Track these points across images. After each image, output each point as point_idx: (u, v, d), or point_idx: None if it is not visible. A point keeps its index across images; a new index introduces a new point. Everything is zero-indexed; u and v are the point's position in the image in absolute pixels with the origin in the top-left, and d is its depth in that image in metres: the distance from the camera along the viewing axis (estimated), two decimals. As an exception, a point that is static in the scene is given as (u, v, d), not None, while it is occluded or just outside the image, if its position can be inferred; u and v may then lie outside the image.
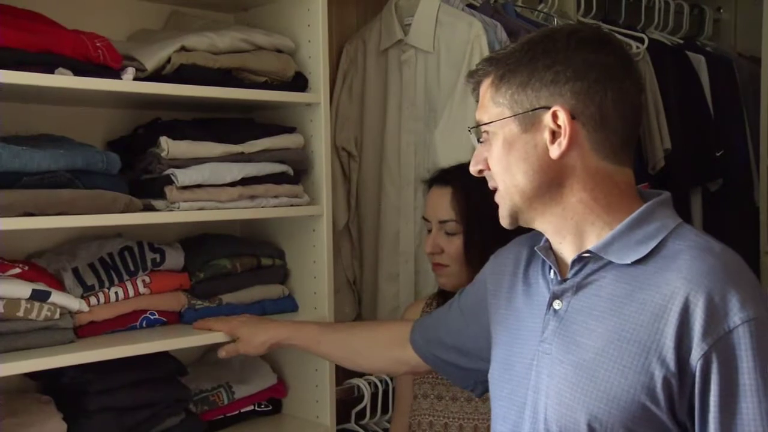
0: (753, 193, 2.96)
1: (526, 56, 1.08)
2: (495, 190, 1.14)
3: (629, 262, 1.05)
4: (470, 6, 2.18)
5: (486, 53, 1.98)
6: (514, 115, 1.08)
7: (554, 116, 1.06)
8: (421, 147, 2.09)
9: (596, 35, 1.10)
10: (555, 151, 1.06)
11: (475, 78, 1.15)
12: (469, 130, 1.17)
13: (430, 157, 2.06)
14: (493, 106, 1.11)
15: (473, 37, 1.99)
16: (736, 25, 3.38)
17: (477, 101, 1.16)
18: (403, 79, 2.12)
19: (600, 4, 2.77)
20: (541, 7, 2.51)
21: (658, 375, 0.98)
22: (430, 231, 1.70)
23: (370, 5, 2.29)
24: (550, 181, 1.08)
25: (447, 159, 1.93)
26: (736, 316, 0.96)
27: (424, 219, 1.73)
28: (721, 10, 3.38)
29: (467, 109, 1.98)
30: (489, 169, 1.13)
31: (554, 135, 1.06)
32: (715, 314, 0.97)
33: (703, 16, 3.22)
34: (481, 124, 1.13)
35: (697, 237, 1.06)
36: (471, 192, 1.61)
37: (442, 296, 1.76)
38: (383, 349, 1.50)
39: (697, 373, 0.97)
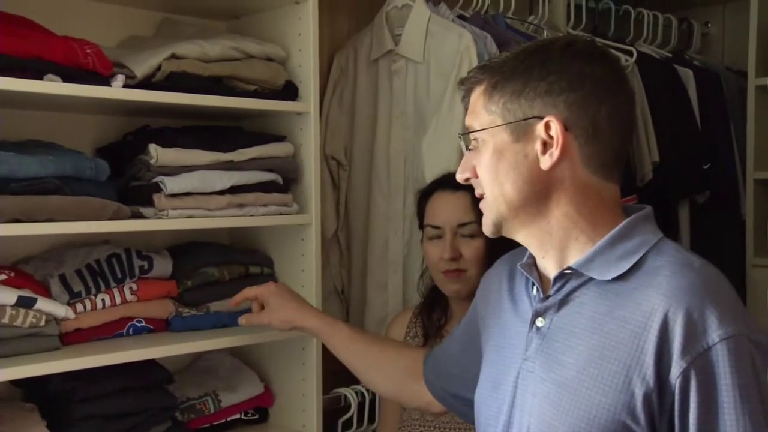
0: (740, 205, 2.98)
1: (521, 65, 1.07)
2: (481, 198, 1.13)
3: (610, 278, 1.04)
4: (460, 17, 2.19)
5: (475, 64, 1.98)
6: (505, 124, 1.07)
7: (547, 127, 1.04)
8: (410, 156, 2.10)
9: (592, 48, 1.10)
10: (546, 162, 1.05)
11: (466, 85, 1.14)
12: (460, 136, 1.16)
13: (419, 166, 2.07)
14: (485, 114, 1.09)
15: (463, 48, 2.00)
16: (723, 39, 3.41)
17: (466, 109, 1.14)
18: (394, 89, 2.12)
19: (590, 17, 2.79)
20: (531, 18, 2.53)
21: (639, 393, 0.97)
22: (433, 238, 1.66)
23: (362, 15, 2.30)
24: (538, 192, 1.07)
25: (433, 168, 1.93)
26: (714, 333, 0.95)
27: (431, 227, 1.67)
28: (709, 25, 3.41)
29: (454, 119, 1.99)
30: (476, 176, 1.12)
31: (545, 146, 1.05)
32: (693, 331, 0.95)
33: (691, 30, 3.25)
34: (472, 131, 1.11)
35: (677, 252, 1.05)
36: None
37: (429, 306, 1.76)
38: (402, 376, 1.45)
39: (677, 391, 0.96)
